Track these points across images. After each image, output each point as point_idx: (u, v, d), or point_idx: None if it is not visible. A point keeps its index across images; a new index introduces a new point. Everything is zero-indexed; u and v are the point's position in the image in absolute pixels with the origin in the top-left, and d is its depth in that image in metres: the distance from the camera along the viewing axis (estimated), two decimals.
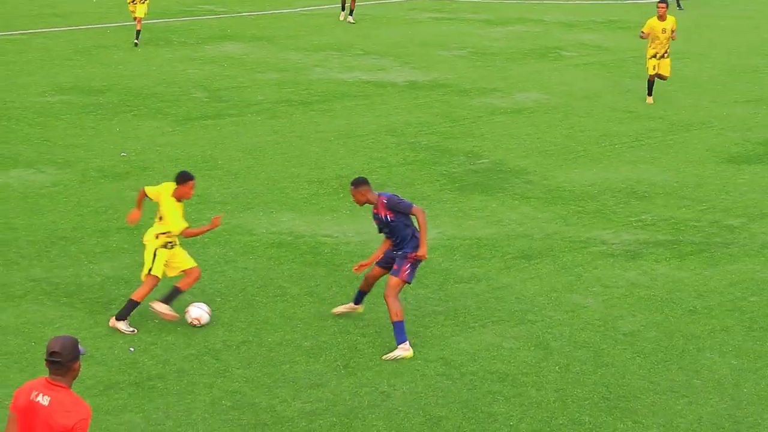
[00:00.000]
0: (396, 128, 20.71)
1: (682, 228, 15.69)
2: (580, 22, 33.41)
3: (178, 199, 11.75)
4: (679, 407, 10.64)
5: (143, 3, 26.84)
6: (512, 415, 10.38)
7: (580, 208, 16.44)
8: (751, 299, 13.21)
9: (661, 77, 22.53)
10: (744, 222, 16.00)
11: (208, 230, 12.11)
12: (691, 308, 12.93)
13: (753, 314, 12.80)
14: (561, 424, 10.28)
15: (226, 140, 19.64)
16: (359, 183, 11.64)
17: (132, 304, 11.79)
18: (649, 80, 22.63)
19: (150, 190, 11.97)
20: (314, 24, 31.81)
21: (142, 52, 26.61)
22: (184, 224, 11.73)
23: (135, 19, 27.01)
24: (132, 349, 11.44)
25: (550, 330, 12.22)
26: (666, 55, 22.16)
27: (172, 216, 11.66)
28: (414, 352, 11.47)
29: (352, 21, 31.39)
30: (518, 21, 33.28)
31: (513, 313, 12.63)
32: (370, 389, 10.76)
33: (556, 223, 15.75)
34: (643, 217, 16.14)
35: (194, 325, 11.85)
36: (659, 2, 21.97)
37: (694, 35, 30.52)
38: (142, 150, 18.79)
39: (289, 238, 14.86)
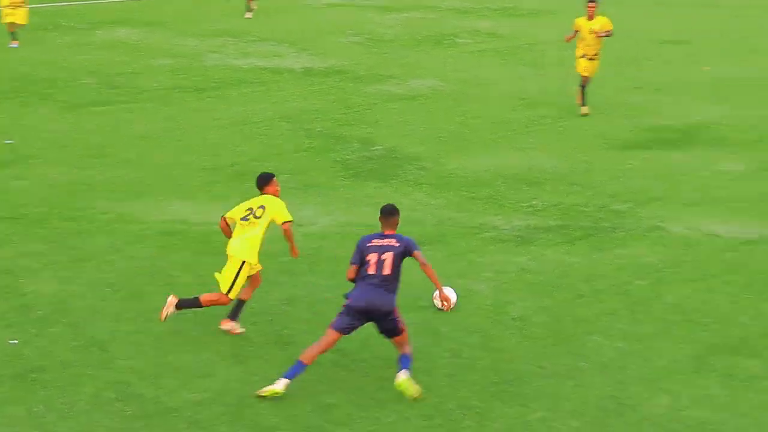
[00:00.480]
0: (291, 115, 20.61)
1: (572, 213, 15.93)
2: (475, 9, 33.68)
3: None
4: (566, 390, 10.80)
5: (23, 7, 25.00)
6: (402, 401, 10.41)
7: (472, 194, 16.57)
8: (637, 283, 13.47)
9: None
10: (631, 207, 16.31)
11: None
12: (580, 292, 13.14)
13: (638, 297, 13.06)
14: (450, 409, 10.35)
15: (117, 127, 19.29)
16: (382, 213, 10.84)
17: (195, 302, 11.33)
18: (581, 84, 21.29)
19: (232, 213, 11.47)
20: (209, 9, 31.46)
21: (30, 37, 25.95)
22: (290, 216, 11.36)
23: (11, 24, 24.79)
24: (15, 341, 11.16)
25: (440, 316, 12.29)
26: (595, 57, 21.25)
27: (282, 208, 11.32)
28: (306, 339, 11.34)
29: (249, 17, 30.97)
30: (413, 7, 33.39)
31: (404, 300, 12.64)
32: (259, 378, 10.68)
33: (449, 210, 15.85)
34: (533, 202, 16.33)
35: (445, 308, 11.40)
36: (589, 1, 21.25)
37: None
38: (29, 137, 18.34)
39: (180, 227, 14.67)
